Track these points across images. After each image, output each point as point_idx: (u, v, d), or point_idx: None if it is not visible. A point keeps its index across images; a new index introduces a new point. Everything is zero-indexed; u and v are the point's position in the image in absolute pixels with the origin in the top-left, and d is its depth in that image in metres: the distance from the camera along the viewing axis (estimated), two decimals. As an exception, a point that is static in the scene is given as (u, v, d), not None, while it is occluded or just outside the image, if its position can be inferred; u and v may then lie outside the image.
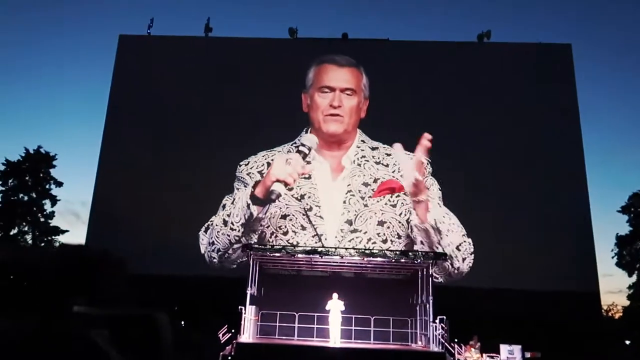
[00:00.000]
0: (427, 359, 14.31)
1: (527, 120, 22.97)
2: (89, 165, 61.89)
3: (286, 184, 18.39)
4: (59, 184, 25.71)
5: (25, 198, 25.14)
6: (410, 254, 16.65)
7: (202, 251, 20.73)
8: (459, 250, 20.19)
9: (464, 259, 20.23)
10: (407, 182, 18.54)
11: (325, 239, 20.29)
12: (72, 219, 79.21)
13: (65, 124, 56.87)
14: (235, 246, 20.04)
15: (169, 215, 21.49)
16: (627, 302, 26.09)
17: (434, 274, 16.72)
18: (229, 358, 12.87)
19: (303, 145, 19.13)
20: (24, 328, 0.48)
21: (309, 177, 20.76)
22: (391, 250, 17.30)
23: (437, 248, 18.87)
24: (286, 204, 20.86)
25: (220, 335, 14.53)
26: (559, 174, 22.79)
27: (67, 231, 30.51)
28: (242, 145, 22.07)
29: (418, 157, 17.33)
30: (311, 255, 16.59)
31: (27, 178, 25.23)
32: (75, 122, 57.59)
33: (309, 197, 21.00)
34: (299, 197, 21.05)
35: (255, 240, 19.68)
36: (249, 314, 15.36)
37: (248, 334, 15.11)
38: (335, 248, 17.61)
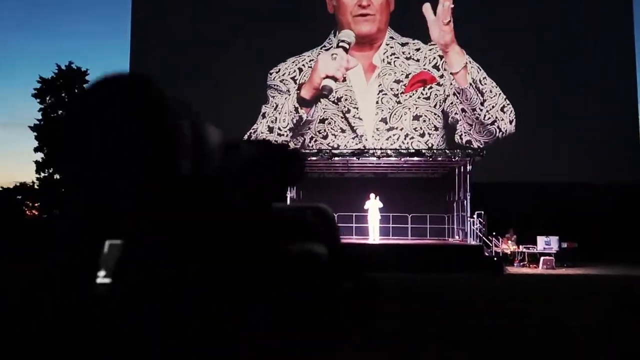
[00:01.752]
0: (464, 252, 14.76)
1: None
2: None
3: (335, 79, 18.80)
4: (95, 99, 26.09)
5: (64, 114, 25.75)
6: (447, 151, 16.60)
7: None
8: (503, 112, 20.29)
9: (510, 121, 20.36)
10: (436, 34, 19.52)
11: (366, 140, 20.52)
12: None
13: (91, 39, 56.40)
14: None
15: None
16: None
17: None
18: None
19: (343, 41, 19.23)
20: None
21: (344, 80, 20.55)
22: (428, 149, 17.24)
23: (481, 111, 19.25)
24: (323, 108, 20.82)
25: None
26: (608, 55, 21.59)
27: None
28: (270, 54, 21.63)
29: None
30: (348, 158, 16.78)
31: (63, 95, 25.64)
32: (101, 35, 57.00)
33: (346, 99, 20.86)
34: (335, 101, 20.92)
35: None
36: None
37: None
38: (372, 149, 17.67)
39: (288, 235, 0.50)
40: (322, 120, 20.71)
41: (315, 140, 20.57)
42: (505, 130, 20.31)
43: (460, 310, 7.44)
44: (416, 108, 20.51)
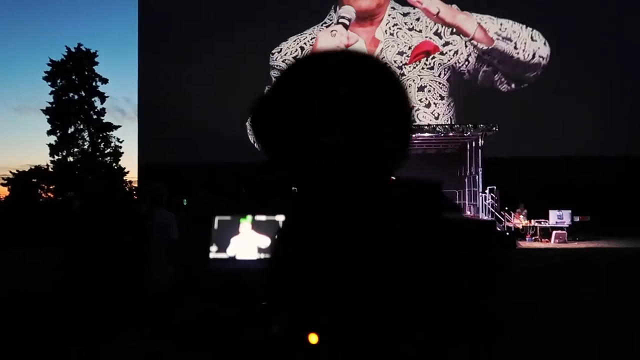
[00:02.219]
0: (476, 227, 14.75)
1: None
2: (127, 61, 61.91)
3: None
4: (104, 81, 26.15)
5: (76, 97, 25.87)
6: (458, 126, 16.46)
7: (252, 140, 21.33)
8: (534, 40, 20.42)
9: (544, 43, 20.50)
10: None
11: None
12: (118, 115, 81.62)
13: (99, 20, 56.18)
14: None
15: (214, 107, 21.76)
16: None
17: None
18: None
19: (343, 17, 19.11)
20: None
21: None
22: (440, 125, 17.11)
23: (518, 53, 19.57)
24: None
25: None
26: (618, 21, 21.08)
27: (119, 126, 31.75)
28: (271, 34, 21.49)
29: None
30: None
31: (73, 77, 25.71)
32: (109, 17, 56.73)
33: None
34: None
35: None
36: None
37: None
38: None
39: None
40: None
41: None
42: (546, 55, 20.37)
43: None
44: (420, 79, 20.45)
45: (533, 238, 15.81)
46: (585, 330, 4.80)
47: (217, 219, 0.68)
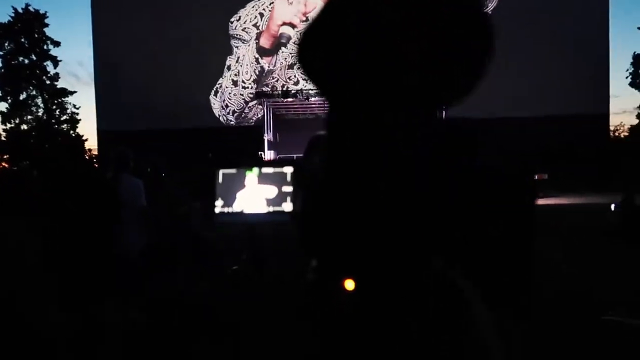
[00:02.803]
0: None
1: None
2: (79, 23, 58.76)
3: (293, 26, 17.94)
4: (57, 44, 24.84)
5: (26, 61, 24.53)
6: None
7: (217, 114, 20.82)
8: None
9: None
10: None
11: None
12: (72, 81, 78.15)
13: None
14: (251, 104, 20.09)
15: (175, 71, 21.06)
16: (635, 121, 26.48)
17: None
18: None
19: None
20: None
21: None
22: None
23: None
24: (290, 53, 20.30)
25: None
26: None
27: (75, 92, 30.44)
28: (228, 1, 20.77)
29: None
30: (324, 98, 16.61)
31: (22, 40, 24.30)
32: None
33: None
34: None
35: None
36: (268, 158, 15.97)
37: (271, 177, 15.86)
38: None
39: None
40: (291, 66, 20.28)
41: (287, 88, 20.29)
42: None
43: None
44: None
45: (495, 197, 16.33)
46: (558, 288, 5.03)
47: (221, 172, 0.64)
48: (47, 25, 24.70)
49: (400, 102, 0.44)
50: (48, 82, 25.11)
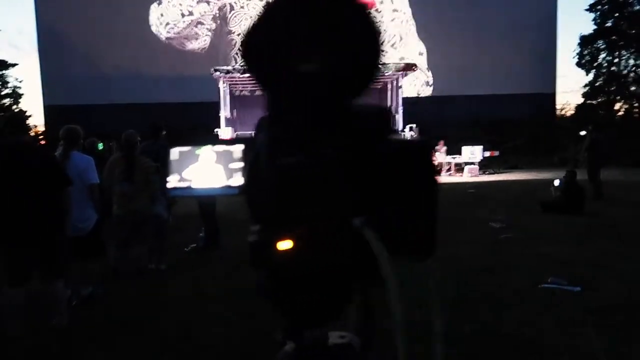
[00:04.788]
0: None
1: None
2: (19, -12, 55.14)
3: None
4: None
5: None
6: (379, 65, 16.63)
7: (154, 30, 20.31)
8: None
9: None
10: None
11: None
12: (13, 53, 73.69)
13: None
14: (186, 19, 19.77)
15: (124, 41, 20.26)
16: (581, 100, 27.71)
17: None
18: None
19: None
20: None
21: None
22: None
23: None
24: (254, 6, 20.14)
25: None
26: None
27: (16, 64, 28.80)
28: None
29: None
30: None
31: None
32: None
33: None
34: None
35: (213, 24, 19.54)
36: (226, 136, 15.75)
37: (227, 154, 15.63)
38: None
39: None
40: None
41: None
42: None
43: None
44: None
45: (448, 173, 16.83)
46: (496, 253, 5.30)
47: (177, 150, 0.68)
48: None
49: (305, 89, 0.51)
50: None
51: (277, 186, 0.52)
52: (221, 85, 15.92)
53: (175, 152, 0.79)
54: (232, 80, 16.73)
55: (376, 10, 20.67)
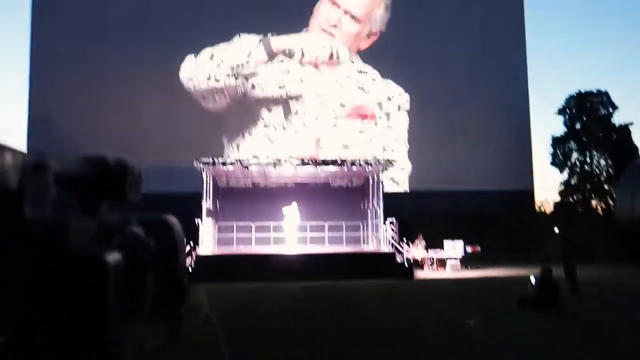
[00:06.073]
0: (378, 259, 15.29)
1: (472, 18, 23.26)
2: (16, 77, 57.31)
3: (295, 54, 20.44)
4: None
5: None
6: (360, 161, 17.14)
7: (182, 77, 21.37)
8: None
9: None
10: None
11: (303, 146, 21.24)
12: (2, 137, 74.51)
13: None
14: (211, 84, 21.23)
15: (110, 135, 20.73)
16: (559, 198, 28.42)
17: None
18: (190, 269, 13.15)
19: (339, 50, 20.66)
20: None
21: (301, 82, 21.50)
22: (342, 159, 17.69)
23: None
24: (274, 100, 21.32)
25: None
26: (502, 78, 23.57)
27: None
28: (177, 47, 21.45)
29: None
30: (264, 168, 16.77)
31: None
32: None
33: (297, 101, 21.72)
34: (286, 98, 21.65)
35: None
36: (207, 227, 15.65)
37: (207, 246, 15.47)
38: (289, 158, 17.84)
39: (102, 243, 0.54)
40: (270, 110, 21.74)
41: (257, 125, 21.41)
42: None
43: (370, 313, 7.74)
44: (349, 137, 21.81)
45: (430, 268, 16.69)
46: (470, 354, 5.13)
47: None
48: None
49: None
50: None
51: None
52: (204, 176, 16.11)
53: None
54: (216, 172, 16.97)
55: (374, 122, 22.03)
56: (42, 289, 0.47)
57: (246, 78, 21.25)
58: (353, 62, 22.19)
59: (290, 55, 21.23)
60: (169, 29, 21.37)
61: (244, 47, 21.29)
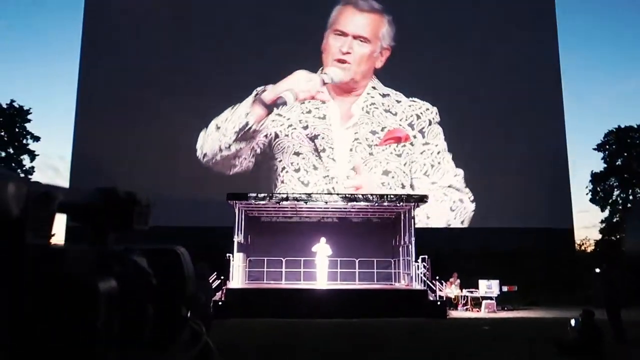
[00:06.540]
0: (410, 296, 14.94)
1: (505, 52, 23.04)
2: (64, 118, 60.34)
3: (296, 97, 20.17)
4: (36, 139, 25.20)
5: (3, 154, 24.67)
6: (392, 196, 17.01)
7: (198, 154, 21.64)
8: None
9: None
10: None
11: (336, 182, 21.10)
12: (51, 174, 77.85)
13: (36, 77, 54.77)
14: (224, 153, 21.12)
15: (155, 168, 21.35)
16: (599, 236, 27.29)
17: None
18: (220, 303, 13.23)
19: (327, 74, 20.73)
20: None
21: (324, 118, 21.44)
22: (373, 194, 17.60)
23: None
24: (300, 143, 21.35)
25: (210, 281, 14.90)
26: (538, 114, 23.16)
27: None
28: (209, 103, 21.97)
29: None
30: (296, 202, 16.84)
31: (2, 133, 24.65)
32: (47, 74, 55.34)
33: (323, 138, 21.61)
34: (312, 137, 21.53)
35: (245, 153, 20.96)
36: (237, 261, 15.72)
37: (237, 280, 15.51)
38: (320, 193, 17.88)
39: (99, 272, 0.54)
40: (297, 153, 21.35)
41: (287, 172, 21.13)
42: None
43: (401, 353, 7.51)
44: (387, 163, 21.48)
45: (465, 307, 16.15)
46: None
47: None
48: (29, 120, 25.23)
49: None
50: (22, 175, 25.04)
51: None
52: (237, 210, 16.29)
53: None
54: (248, 207, 17.14)
55: (410, 143, 21.81)
56: (33, 313, 0.48)
57: (253, 136, 21.44)
58: (374, 88, 22.23)
59: (283, 103, 21.12)
60: (200, 85, 22.10)
61: (241, 109, 21.48)
